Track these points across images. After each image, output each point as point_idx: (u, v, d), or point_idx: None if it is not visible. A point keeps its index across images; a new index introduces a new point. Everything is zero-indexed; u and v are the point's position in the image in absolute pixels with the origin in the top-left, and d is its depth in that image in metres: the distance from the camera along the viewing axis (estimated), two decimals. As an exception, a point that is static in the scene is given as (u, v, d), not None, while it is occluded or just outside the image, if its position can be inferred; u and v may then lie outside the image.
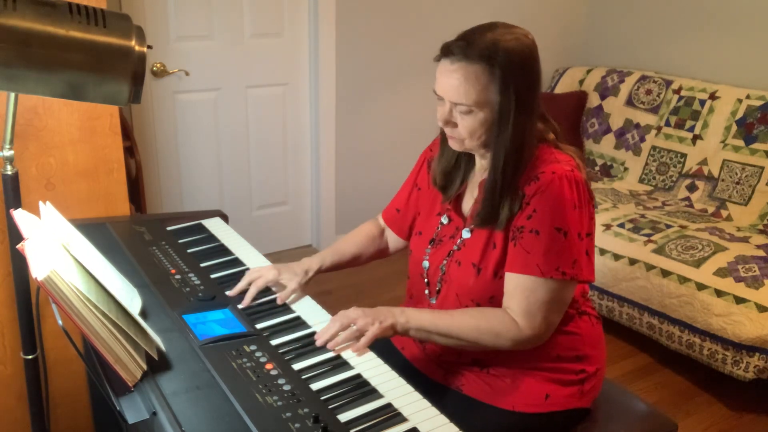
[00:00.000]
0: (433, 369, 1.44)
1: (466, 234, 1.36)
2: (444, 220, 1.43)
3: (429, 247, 1.44)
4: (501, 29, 1.24)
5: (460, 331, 1.28)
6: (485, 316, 1.29)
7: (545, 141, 1.31)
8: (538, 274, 1.24)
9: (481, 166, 1.37)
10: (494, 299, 1.32)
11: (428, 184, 1.48)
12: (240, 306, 1.37)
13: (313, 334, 1.29)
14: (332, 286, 3.14)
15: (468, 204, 1.40)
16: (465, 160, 1.40)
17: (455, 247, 1.37)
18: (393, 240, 1.62)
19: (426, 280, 1.44)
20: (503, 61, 1.20)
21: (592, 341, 1.40)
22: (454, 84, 1.23)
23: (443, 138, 1.38)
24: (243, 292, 1.41)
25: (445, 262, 1.39)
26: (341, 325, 1.26)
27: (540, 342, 1.29)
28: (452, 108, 1.26)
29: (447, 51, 1.24)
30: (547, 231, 1.23)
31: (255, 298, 1.40)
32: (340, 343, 1.24)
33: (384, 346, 1.52)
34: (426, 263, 1.43)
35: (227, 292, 1.41)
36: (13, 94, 1.35)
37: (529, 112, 1.25)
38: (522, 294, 1.26)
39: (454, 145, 1.32)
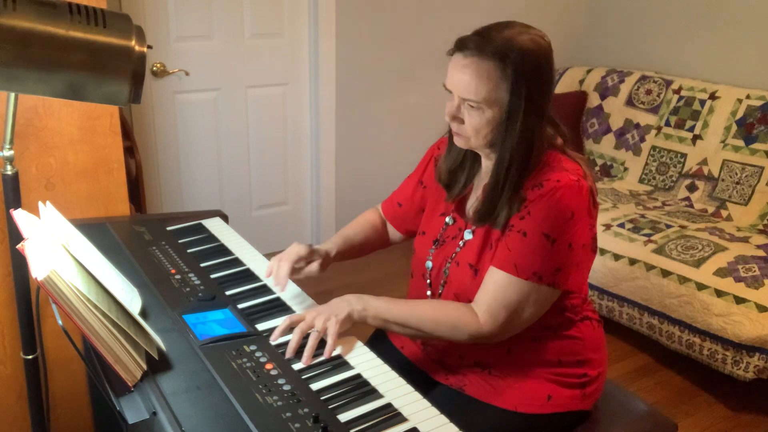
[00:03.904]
0: (434, 369, 1.44)
1: (468, 235, 1.36)
2: (449, 220, 1.42)
3: (433, 247, 1.43)
4: (518, 28, 1.23)
5: (418, 322, 1.27)
6: (446, 309, 1.29)
7: (553, 147, 1.30)
8: (512, 273, 1.23)
9: (487, 167, 1.36)
10: None
11: (434, 182, 1.47)
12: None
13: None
14: (332, 286, 3.14)
15: (472, 206, 1.39)
16: (470, 160, 1.39)
17: (458, 249, 1.37)
18: (392, 232, 1.62)
19: (428, 281, 1.43)
20: (517, 61, 1.19)
21: (594, 345, 1.40)
22: (465, 79, 1.21)
23: (451, 135, 1.36)
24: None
25: (448, 265, 1.38)
26: (301, 332, 1.23)
27: (495, 341, 1.28)
28: (461, 103, 1.25)
29: (461, 45, 1.23)
30: (535, 236, 1.22)
31: (254, 297, 1.40)
32: (311, 354, 1.20)
33: (384, 346, 1.52)
34: (429, 263, 1.43)
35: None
36: (13, 94, 1.35)
37: (539, 114, 1.24)
38: (492, 289, 1.25)
39: (459, 142, 1.32)
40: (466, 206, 1.41)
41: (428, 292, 1.44)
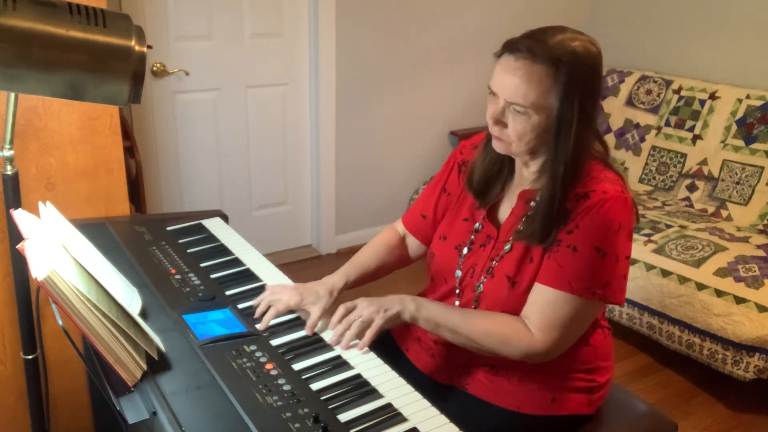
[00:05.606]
0: (437, 369, 1.43)
1: (506, 247, 1.31)
2: (478, 226, 1.37)
3: (460, 254, 1.38)
4: (570, 33, 1.19)
5: (469, 332, 1.26)
6: (499, 322, 1.26)
7: (593, 156, 1.26)
8: (567, 290, 1.20)
9: (521, 174, 1.33)
10: None
11: (459, 188, 1.43)
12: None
13: (314, 334, 1.29)
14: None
15: (504, 213, 1.35)
16: (507, 167, 1.34)
17: (494, 263, 1.32)
18: (414, 247, 1.55)
19: (457, 290, 1.39)
20: (569, 67, 1.15)
21: (605, 353, 1.39)
22: (515, 82, 1.17)
23: (488, 140, 1.32)
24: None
25: (483, 279, 1.33)
26: (348, 321, 1.26)
27: (549, 358, 1.26)
28: (506, 107, 1.20)
29: (512, 47, 1.18)
30: (587, 249, 1.20)
31: (254, 297, 1.40)
32: (349, 340, 1.24)
33: (385, 346, 1.52)
34: (459, 272, 1.38)
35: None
36: (13, 94, 1.35)
37: (589, 122, 1.20)
38: (546, 307, 1.22)
39: (498, 147, 1.27)
40: (497, 213, 1.37)
41: (456, 302, 1.39)
